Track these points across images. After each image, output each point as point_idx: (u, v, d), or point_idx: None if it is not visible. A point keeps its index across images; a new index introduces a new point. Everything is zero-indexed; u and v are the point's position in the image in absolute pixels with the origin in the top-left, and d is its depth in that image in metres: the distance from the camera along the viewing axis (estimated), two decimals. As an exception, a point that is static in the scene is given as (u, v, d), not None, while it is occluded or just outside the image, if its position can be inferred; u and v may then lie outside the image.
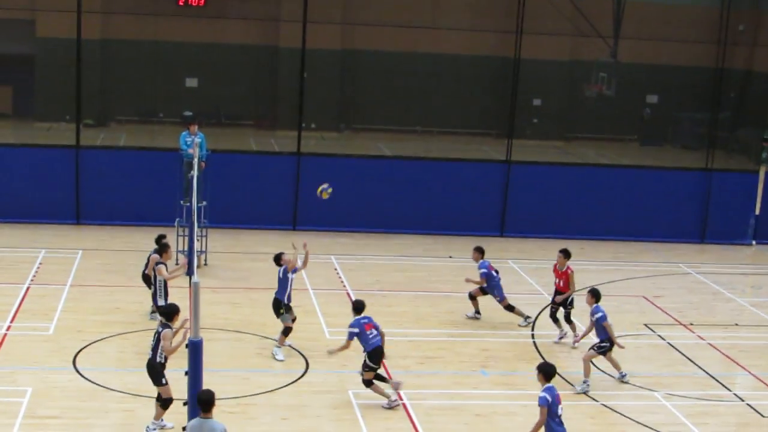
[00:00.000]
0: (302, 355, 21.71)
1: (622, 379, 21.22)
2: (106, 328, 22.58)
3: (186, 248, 27.17)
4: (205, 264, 27.68)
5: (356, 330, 19.35)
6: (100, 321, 22.96)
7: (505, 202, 33.01)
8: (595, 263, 30.52)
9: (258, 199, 31.99)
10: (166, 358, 17.43)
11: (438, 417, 19.08)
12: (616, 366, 21.20)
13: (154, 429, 17.73)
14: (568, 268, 23.17)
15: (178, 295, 24.82)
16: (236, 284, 26.13)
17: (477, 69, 46.83)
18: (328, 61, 45.14)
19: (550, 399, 15.86)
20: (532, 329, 24.14)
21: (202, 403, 14.20)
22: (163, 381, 17.47)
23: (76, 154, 31.98)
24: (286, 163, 32.76)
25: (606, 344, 20.94)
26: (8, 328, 22.43)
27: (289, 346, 21.82)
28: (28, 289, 25.21)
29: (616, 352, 21.08)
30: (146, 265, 23.01)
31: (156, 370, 17.43)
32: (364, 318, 19.55)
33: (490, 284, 24.01)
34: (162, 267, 21.75)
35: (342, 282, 27.03)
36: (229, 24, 45.98)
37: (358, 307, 19.65)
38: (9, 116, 46.71)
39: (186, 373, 14.78)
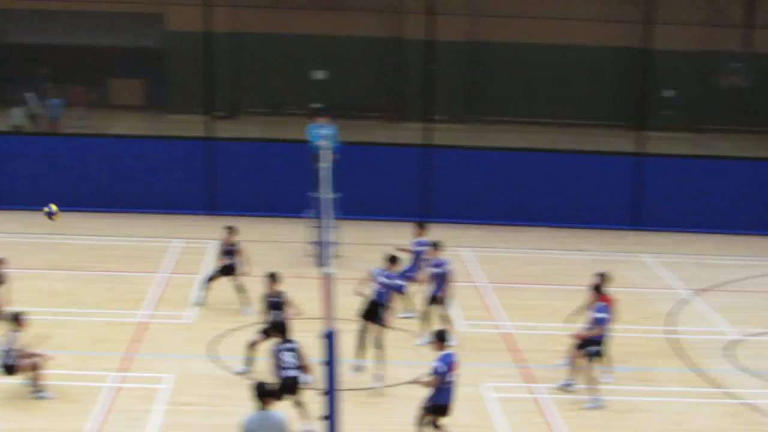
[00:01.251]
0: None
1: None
2: (241, 317, 22.82)
3: (317, 239, 27.32)
4: (338, 255, 27.80)
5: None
6: (237, 310, 23.19)
7: (638, 194, 32.49)
8: (733, 258, 29.89)
9: (388, 190, 32.00)
10: None
11: (573, 412, 18.90)
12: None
13: None
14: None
15: (309, 286, 25.07)
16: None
17: (606, 60, 46.35)
18: (455, 53, 45.08)
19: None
20: (669, 325, 23.76)
21: (259, 394, 14.26)
22: None
23: (208, 146, 32.29)
24: (414, 154, 32.69)
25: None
26: (148, 317, 22.82)
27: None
28: (165, 278, 25.61)
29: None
30: None
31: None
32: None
33: None
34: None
35: (475, 274, 26.87)
36: (355, 16, 46.20)
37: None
38: (142, 108, 47.56)
39: (323, 364, 14.79)
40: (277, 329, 17.79)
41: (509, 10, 43.73)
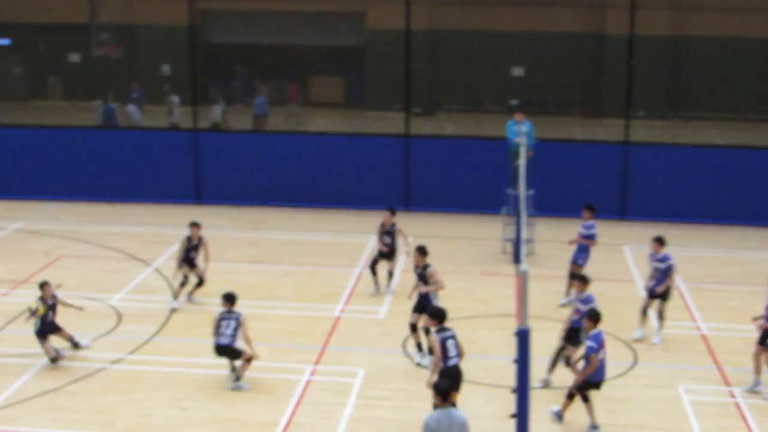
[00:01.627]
0: (631, 348, 21.38)
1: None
2: (435, 313, 22.91)
3: (513, 236, 27.29)
4: (533, 253, 27.68)
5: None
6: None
7: None
8: None
9: (585, 187, 31.64)
10: None
11: (773, 417, 18.41)
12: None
13: None
14: None
15: (504, 283, 25.07)
16: (563, 273, 25.93)
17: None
18: (656, 48, 44.34)
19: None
20: None
21: (441, 392, 14.17)
22: None
23: (406, 143, 32.54)
24: (613, 152, 32.25)
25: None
26: (342, 311, 23.17)
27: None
28: (360, 273, 25.96)
29: None
30: None
31: None
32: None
33: None
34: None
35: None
36: (555, 12, 45.89)
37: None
38: (341, 106, 48.27)
39: (514, 362, 14.79)
40: (437, 316, 17.55)
41: (713, 3, 42.79)
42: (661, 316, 21.75)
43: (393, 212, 24.80)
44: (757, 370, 19.34)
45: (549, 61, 46.98)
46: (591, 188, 31.59)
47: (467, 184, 32.08)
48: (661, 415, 18.35)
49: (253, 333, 21.26)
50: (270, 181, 32.58)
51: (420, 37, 43.73)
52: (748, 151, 32.56)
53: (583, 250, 24.08)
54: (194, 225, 23.92)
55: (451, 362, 17.11)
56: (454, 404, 14.60)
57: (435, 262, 25.91)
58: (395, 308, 23.22)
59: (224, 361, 19.67)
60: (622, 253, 28.36)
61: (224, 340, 18.87)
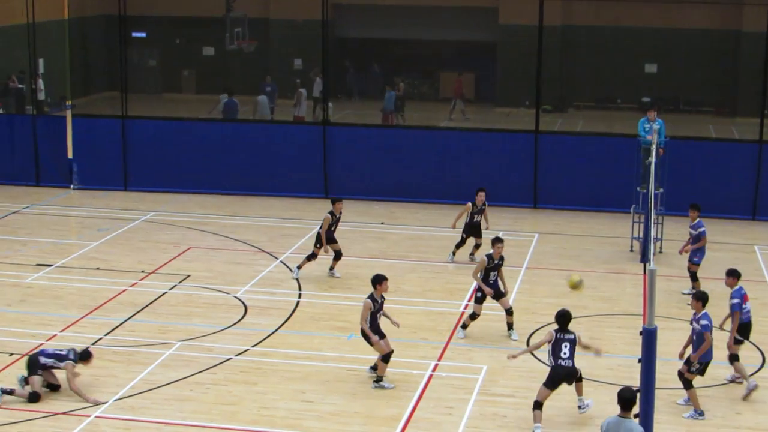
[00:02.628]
0: (759, 349, 20.99)
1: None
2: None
3: (641, 235, 26.99)
4: (660, 251, 27.32)
5: (738, 300, 19.08)
6: (555, 304, 23.06)
7: None
8: None
9: (717, 187, 31.12)
10: None
11: None
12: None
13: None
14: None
15: (631, 281, 24.79)
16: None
17: None
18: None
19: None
20: None
21: (623, 400, 13.96)
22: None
23: (536, 139, 32.35)
24: (746, 150, 31.64)
25: None
26: (466, 307, 23.15)
27: None
28: (485, 269, 25.92)
29: None
30: None
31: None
32: (742, 289, 19.33)
33: None
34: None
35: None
36: (690, 8, 45.26)
37: (737, 275, 19.45)
38: (471, 101, 48.26)
39: (639, 361, 14.64)
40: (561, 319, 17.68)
41: None
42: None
43: (485, 192, 26.26)
44: None
45: (683, 58, 46.39)
46: (722, 188, 31.08)
47: (596, 182, 31.79)
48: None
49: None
50: (397, 176, 32.69)
51: (552, 32, 43.52)
52: None
53: (697, 249, 24.00)
54: (337, 200, 25.07)
55: (563, 363, 17.42)
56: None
57: (560, 261, 25.90)
58: (519, 305, 23.09)
59: (349, 355, 19.87)
60: (754, 253, 27.81)
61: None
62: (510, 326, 21.60)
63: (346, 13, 48.29)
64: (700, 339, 17.80)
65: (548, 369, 17.66)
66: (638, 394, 14.34)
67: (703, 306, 18.05)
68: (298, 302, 23.31)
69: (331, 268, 25.21)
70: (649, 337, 14.27)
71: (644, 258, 26.14)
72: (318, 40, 34.60)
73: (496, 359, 20.18)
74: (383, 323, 19.12)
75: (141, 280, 24.73)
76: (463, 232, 26.49)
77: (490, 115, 45.65)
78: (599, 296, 23.91)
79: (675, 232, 28.43)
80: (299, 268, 25.06)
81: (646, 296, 14.57)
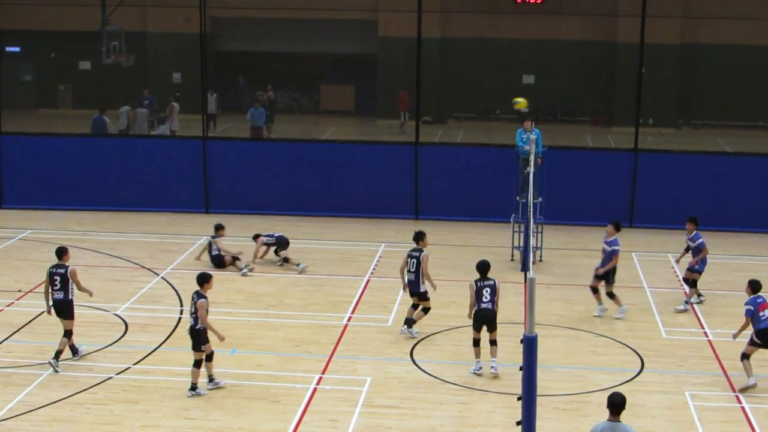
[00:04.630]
0: (637, 353, 21.36)
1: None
2: (442, 321, 22.93)
3: (521, 244, 27.28)
4: (540, 260, 27.67)
5: (751, 308, 19.66)
6: (437, 314, 23.28)
7: None
8: None
9: (594, 195, 31.64)
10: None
11: (780, 423, 18.36)
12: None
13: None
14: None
15: (512, 290, 25.01)
16: (571, 281, 25.97)
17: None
18: (666, 56, 44.37)
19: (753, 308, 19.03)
20: None
21: (613, 405, 14.11)
22: (203, 347, 18.95)
23: (416, 151, 32.51)
24: (622, 159, 32.23)
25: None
26: (349, 319, 23.17)
27: None
28: (368, 281, 25.97)
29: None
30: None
31: (198, 336, 18.97)
32: (760, 297, 19.81)
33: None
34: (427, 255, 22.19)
35: (680, 281, 26.38)
36: (566, 20, 45.97)
37: (755, 286, 20.10)
38: (351, 113, 48.37)
39: (520, 369, 14.77)
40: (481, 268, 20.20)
41: (723, 11, 42.82)
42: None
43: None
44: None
45: (559, 69, 47.06)
46: (600, 196, 31.60)
47: (476, 192, 32.07)
48: (668, 421, 18.33)
49: (261, 342, 21.43)
50: (279, 190, 32.58)
51: (431, 44, 43.84)
52: (757, 159, 32.54)
53: (699, 259, 24.43)
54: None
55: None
56: None
57: (442, 271, 26.03)
58: (402, 316, 23.18)
59: (232, 371, 19.77)
60: (631, 260, 28.28)
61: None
62: (409, 322, 22.02)
63: (225, 26, 48.06)
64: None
65: (431, 380, 17.74)
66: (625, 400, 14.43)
67: (754, 292, 19.91)
68: (179, 318, 23.07)
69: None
70: (529, 344, 14.38)
71: (525, 267, 26.41)
72: (197, 53, 34.37)
73: (380, 371, 20.21)
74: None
75: (18, 299, 24.26)
76: None
77: (371, 128, 45.77)
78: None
79: (554, 240, 28.83)
80: None
81: (526, 304, 14.69)
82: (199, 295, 19.03)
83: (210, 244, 26.95)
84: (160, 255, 27.99)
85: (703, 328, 23.10)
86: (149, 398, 18.81)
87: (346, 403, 18.75)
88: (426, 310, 22.11)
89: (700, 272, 24.50)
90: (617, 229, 23.55)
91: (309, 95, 50.47)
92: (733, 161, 32.87)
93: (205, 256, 27.03)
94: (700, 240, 24.44)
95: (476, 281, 20.11)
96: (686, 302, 24.43)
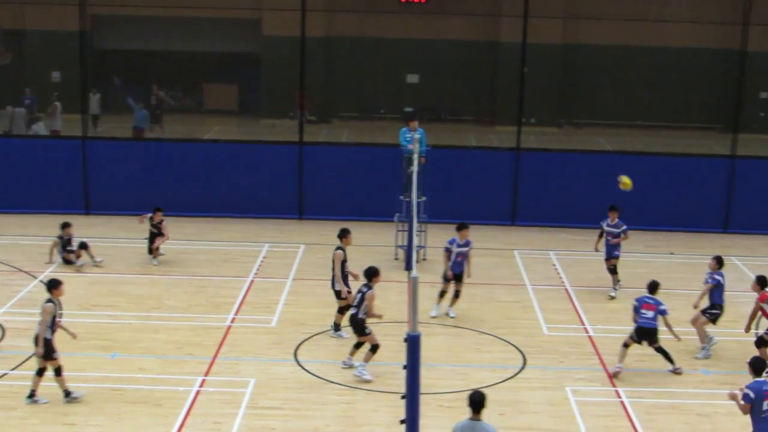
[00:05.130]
0: (519, 350, 21.57)
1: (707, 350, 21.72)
2: (326, 321, 22.89)
3: (405, 243, 27.36)
4: (424, 259, 27.80)
5: (636, 304, 20.41)
6: (321, 314, 23.30)
7: (729, 197, 31.97)
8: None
9: (477, 194, 31.90)
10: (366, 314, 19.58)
11: (658, 416, 18.67)
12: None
13: (362, 367, 19.58)
14: (764, 292, 20.87)
15: (396, 289, 25.10)
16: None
17: (701, 62, 45.81)
18: (548, 56, 44.87)
19: (753, 395, 15.57)
20: (757, 328, 23.31)
21: (473, 404, 14.16)
22: (367, 331, 19.92)
23: (300, 150, 32.43)
24: (505, 158, 32.53)
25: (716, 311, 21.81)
26: (232, 321, 23.02)
27: None
28: (251, 282, 25.83)
29: None
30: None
31: (359, 324, 19.86)
32: (646, 297, 20.59)
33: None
34: (339, 253, 22.32)
35: (561, 278, 26.73)
36: (449, 20, 46.19)
37: (652, 286, 20.69)
38: (235, 113, 48.05)
39: (404, 367, 14.80)
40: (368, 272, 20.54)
41: (604, 12, 43.45)
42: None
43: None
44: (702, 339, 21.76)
45: (443, 68, 47.28)
46: (483, 195, 31.86)
47: (361, 191, 32.10)
48: (550, 416, 18.54)
49: (142, 345, 21.18)
50: (162, 190, 32.19)
51: (316, 44, 43.72)
52: (636, 157, 33.12)
53: (616, 246, 25.65)
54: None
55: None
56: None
57: (326, 271, 25.98)
58: (286, 317, 23.14)
59: (113, 375, 19.52)
60: (514, 258, 28.57)
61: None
62: (336, 326, 22.25)
63: (106, 25, 47.35)
64: None
65: (315, 380, 17.70)
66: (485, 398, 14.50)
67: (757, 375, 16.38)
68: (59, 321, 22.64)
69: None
70: (413, 343, 14.42)
71: (408, 266, 26.47)
72: (77, 52, 33.85)
73: (264, 372, 20.11)
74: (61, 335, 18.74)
75: None
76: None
77: (254, 127, 45.50)
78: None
79: (438, 239, 28.89)
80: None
81: (410, 303, 14.71)
82: (48, 301, 18.58)
83: (59, 244, 26.68)
84: (39, 258, 27.44)
85: (583, 324, 23.41)
86: (27, 405, 18.43)
87: (229, 405, 18.61)
88: (340, 310, 22.17)
89: (618, 257, 25.65)
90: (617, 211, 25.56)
91: (192, 95, 49.98)
92: (613, 160, 33.30)
93: (57, 257, 26.72)
94: (624, 226, 25.57)
95: (364, 285, 20.47)
96: (615, 289, 25.65)
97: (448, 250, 23.54)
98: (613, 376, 20.16)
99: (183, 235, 29.97)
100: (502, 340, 22.19)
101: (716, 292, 21.94)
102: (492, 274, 26.96)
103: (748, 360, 16.48)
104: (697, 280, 26.22)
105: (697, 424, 18.43)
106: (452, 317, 23.32)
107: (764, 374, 16.20)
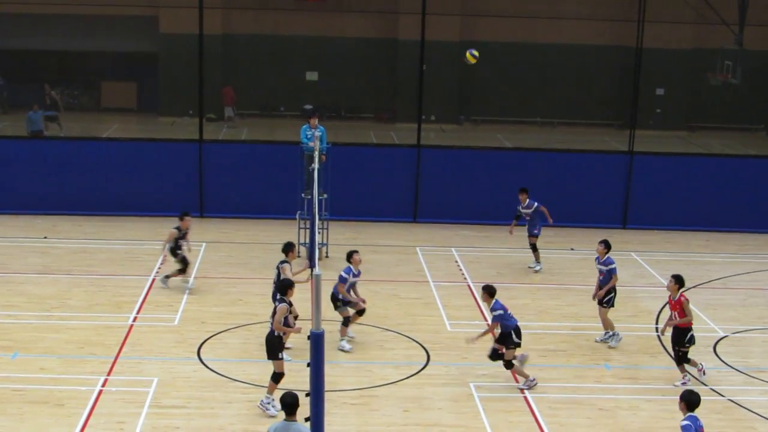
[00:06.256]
0: (423, 347, 21.71)
1: (605, 339, 22.32)
2: (229, 319, 22.85)
3: (307, 241, 27.36)
4: (327, 256, 27.82)
5: (501, 312, 19.67)
6: (224, 312, 23.25)
7: (627, 193, 32.49)
8: (720, 256, 30.00)
9: (379, 191, 32.04)
10: (283, 334, 18.48)
11: (560, 411, 18.91)
12: (609, 326, 22.27)
13: (268, 403, 18.21)
14: (681, 295, 20.13)
15: (298, 287, 25.03)
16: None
17: (598, 59, 46.48)
18: (447, 53, 45.18)
19: (694, 429, 14.64)
20: (656, 322, 23.79)
21: (286, 405, 14.07)
22: (279, 356, 18.26)
23: (200, 148, 32.26)
24: (406, 155, 32.70)
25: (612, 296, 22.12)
26: (134, 320, 22.83)
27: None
28: (153, 281, 25.63)
29: None
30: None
31: (273, 344, 18.27)
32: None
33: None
34: (286, 266, 21.58)
35: (463, 274, 26.96)
36: (349, 17, 46.27)
37: (492, 291, 19.84)
38: (134, 111, 47.61)
39: (308, 365, 14.84)
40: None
41: (501, 9, 43.85)
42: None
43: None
44: (604, 326, 22.31)
45: (343, 66, 47.35)
46: (384, 192, 32.00)
47: (262, 189, 32.03)
48: (454, 412, 18.68)
49: (43, 344, 20.92)
50: (60, 189, 31.81)
51: (214, 41, 43.49)
52: (534, 153, 33.61)
53: (533, 224, 27.23)
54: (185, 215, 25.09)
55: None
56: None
57: (228, 269, 25.95)
58: (188, 315, 23.02)
59: (14, 375, 19.26)
60: (416, 255, 28.73)
61: None
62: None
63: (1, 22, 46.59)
64: None
65: (219, 378, 17.62)
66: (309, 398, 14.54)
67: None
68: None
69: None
70: (316, 340, 14.47)
71: (311, 263, 26.47)
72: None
73: (166, 371, 19.99)
74: None
75: None
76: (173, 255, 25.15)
77: (153, 125, 45.13)
78: (268, 302, 23.99)
79: (340, 236, 29.00)
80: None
81: (313, 301, 14.75)
82: None
83: None
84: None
85: (486, 320, 23.57)
86: (-74, 407, 18.16)
87: (132, 405, 18.47)
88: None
89: (537, 236, 26.96)
90: (608, 247, 22.57)
91: (89, 93, 49.38)
92: (512, 156, 33.73)
93: None
94: (535, 204, 26.74)
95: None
96: (537, 262, 27.16)
97: (343, 280, 21.76)
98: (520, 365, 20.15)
99: (83, 234, 29.68)
100: (406, 336, 22.31)
101: (608, 276, 22.19)
102: (395, 271, 27.09)
103: (681, 394, 15.22)
104: (596, 275, 26.70)
105: (599, 418, 18.70)
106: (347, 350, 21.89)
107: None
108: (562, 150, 34.76)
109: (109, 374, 19.78)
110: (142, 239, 29.48)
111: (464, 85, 47.09)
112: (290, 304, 18.48)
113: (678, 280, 20.11)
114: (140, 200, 32.00)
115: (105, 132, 41.63)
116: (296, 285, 19.34)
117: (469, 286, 25.88)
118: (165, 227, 30.17)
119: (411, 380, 19.98)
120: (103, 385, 19.23)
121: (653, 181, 32.55)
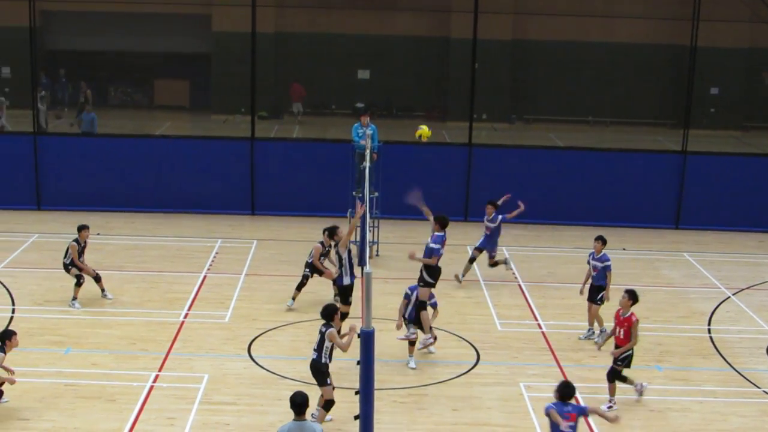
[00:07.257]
0: (473, 346, 21.67)
1: (589, 336, 22.17)
2: (279, 316, 22.94)
3: (358, 239, 27.38)
4: (377, 255, 27.85)
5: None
6: (274, 310, 23.34)
7: (680, 193, 32.26)
8: (774, 256, 29.77)
9: (430, 190, 31.88)
10: (330, 359, 17.51)
11: (611, 411, 18.77)
12: (599, 321, 22.18)
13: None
14: (632, 314, 19.05)
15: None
16: (408, 275, 26.10)
17: (651, 58, 46.18)
18: (499, 52, 45.06)
19: (555, 409, 15.07)
20: (709, 324, 23.60)
21: (296, 405, 14.11)
22: (328, 381, 17.51)
23: (252, 146, 32.40)
24: (457, 154, 32.66)
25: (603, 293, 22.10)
26: (186, 316, 22.97)
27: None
28: (204, 278, 25.77)
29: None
30: (310, 255, 23.47)
31: (320, 371, 17.50)
32: None
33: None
34: (333, 332, 20.60)
35: (513, 274, 26.87)
36: (400, 16, 46.26)
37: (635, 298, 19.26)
38: (186, 109, 47.86)
39: (358, 363, 14.85)
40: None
41: (553, 8, 43.68)
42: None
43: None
44: (590, 322, 22.33)
45: (395, 64, 47.34)
46: (436, 190, 31.88)
47: (313, 187, 32.11)
48: (503, 411, 18.64)
49: (95, 340, 21.09)
50: (113, 186, 32.09)
51: (266, 39, 43.64)
52: (586, 153, 33.40)
53: (492, 240, 26.28)
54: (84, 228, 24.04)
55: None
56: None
57: (279, 267, 26.05)
58: (239, 312, 23.12)
59: (66, 370, 19.44)
60: (467, 254, 28.65)
61: None
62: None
63: (56, 21, 46.98)
64: None
65: (269, 375, 17.68)
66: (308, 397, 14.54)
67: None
68: (11, 317, 22.54)
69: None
70: (367, 339, 14.47)
71: (361, 261, 26.48)
72: (26, 48, 33.56)
73: (217, 367, 20.10)
74: None
75: None
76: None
77: (206, 123, 45.35)
78: (318, 301, 24.05)
79: (391, 235, 29.03)
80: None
81: (363, 299, 14.73)
82: None
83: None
84: (-9, 253, 27.30)
85: (536, 320, 23.54)
86: (-19, 401, 18.34)
87: (183, 401, 18.59)
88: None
89: (482, 250, 26.23)
90: (605, 243, 22.67)
91: (142, 90, 49.71)
92: (564, 155, 33.57)
93: None
94: (500, 218, 26.02)
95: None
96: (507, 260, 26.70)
97: (407, 297, 21.23)
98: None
99: (135, 231, 29.91)
100: (456, 335, 22.30)
101: (602, 274, 22.16)
102: (445, 270, 26.73)
103: (558, 384, 15.45)
104: (648, 276, 26.63)
105: (650, 419, 18.59)
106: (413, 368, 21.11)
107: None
108: (614, 149, 34.55)
109: (160, 370, 19.92)
110: (194, 236, 29.66)
111: (516, 84, 46.92)
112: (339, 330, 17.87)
113: (632, 296, 19.06)
114: (192, 197, 32.19)
115: (158, 129, 41.88)
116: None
117: (519, 285, 25.80)
118: (217, 225, 30.54)
119: (460, 379, 19.96)
120: (155, 381, 19.38)
121: (706, 181, 32.28)
